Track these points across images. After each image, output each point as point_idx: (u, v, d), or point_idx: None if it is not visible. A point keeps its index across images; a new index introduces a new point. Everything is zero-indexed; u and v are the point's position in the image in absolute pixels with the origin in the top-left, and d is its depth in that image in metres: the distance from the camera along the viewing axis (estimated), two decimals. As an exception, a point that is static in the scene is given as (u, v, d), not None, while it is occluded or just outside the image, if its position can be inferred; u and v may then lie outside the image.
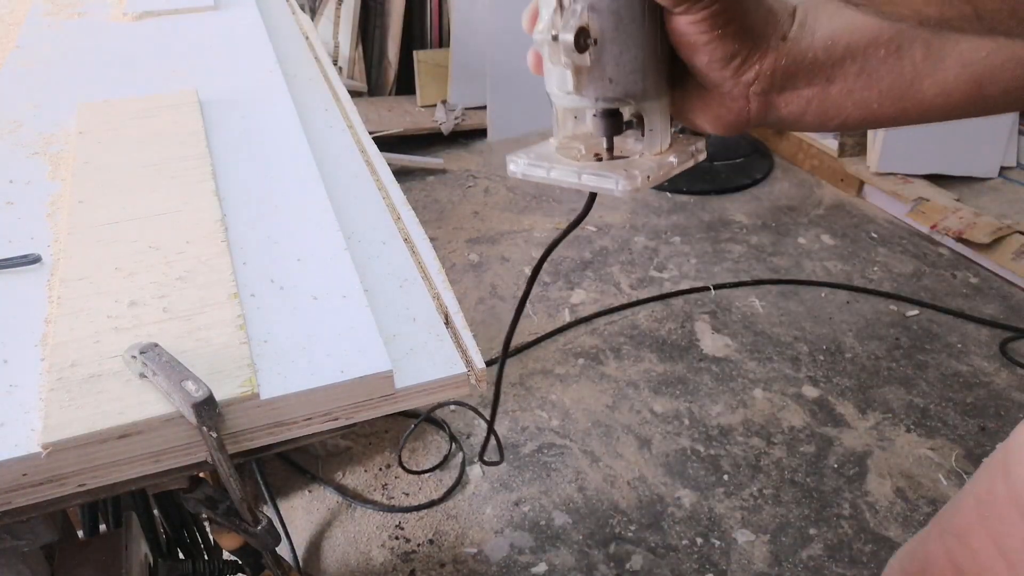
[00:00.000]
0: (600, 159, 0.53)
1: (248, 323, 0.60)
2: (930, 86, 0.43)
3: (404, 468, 1.74)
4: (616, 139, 0.52)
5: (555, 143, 0.54)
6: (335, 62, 3.03)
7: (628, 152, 0.54)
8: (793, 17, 0.45)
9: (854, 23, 0.43)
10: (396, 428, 1.85)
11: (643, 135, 0.53)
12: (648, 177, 0.52)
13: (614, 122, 0.52)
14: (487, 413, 1.89)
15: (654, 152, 0.54)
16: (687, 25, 0.44)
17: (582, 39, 0.46)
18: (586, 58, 0.48)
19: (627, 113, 0.53)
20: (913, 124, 0.45)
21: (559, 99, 0.51)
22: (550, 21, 0.47)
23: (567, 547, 1.58)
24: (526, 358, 2.03)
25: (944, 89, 0.42)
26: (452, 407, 1.90)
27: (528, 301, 2.24)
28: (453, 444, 1.80)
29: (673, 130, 0.56)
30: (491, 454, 1.67)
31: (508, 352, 0.63)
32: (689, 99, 0.50)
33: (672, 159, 0.53)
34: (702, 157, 0.56)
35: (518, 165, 0.53)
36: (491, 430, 0.71)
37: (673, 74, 0.49)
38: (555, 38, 0.47)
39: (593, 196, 0.53)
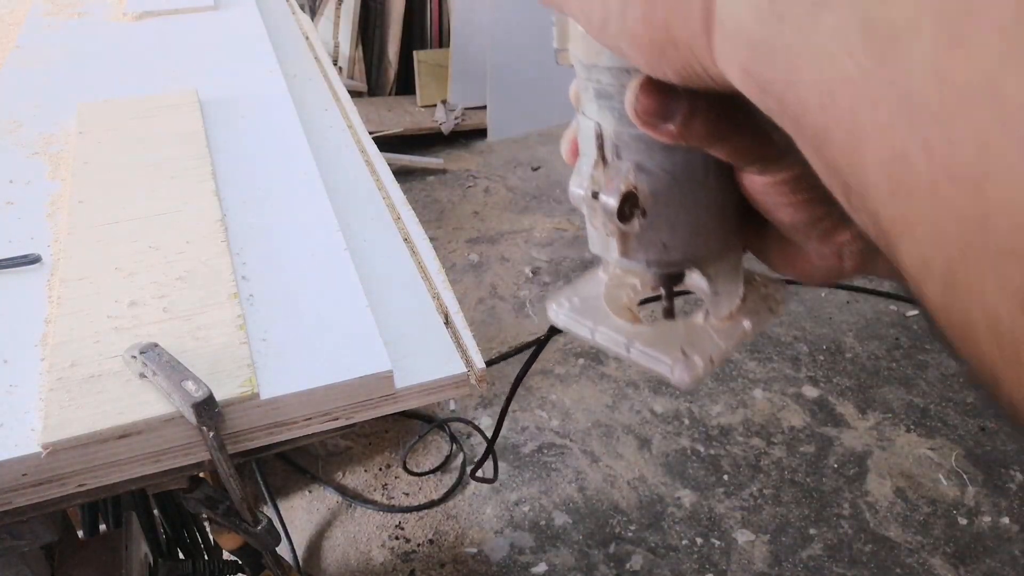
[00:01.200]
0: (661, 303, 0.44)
1: (248, 323, 0.60)
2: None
3: (407, 470, 1.75)
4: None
5: (604, 279, 0.45)
6: (335, 62, 3.03)
7: (693, 290, 0.45)
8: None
9: None
10: (396, 428, 1.85)
11: (708, 292, 0.43)
12: (712, 360, 0.41)
13: (673, 280, 0.43)
14: (490, 420, 1.89)
15: (722, 316, 0.44)
16: (763, 186, 0.36)
17: (627, 207, 0.37)
18: (634, 225, 0.39)
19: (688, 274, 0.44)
20: None
21: (605, 256, 0.42)
22: (590, 175, 0.38)
23: (567, 547, 1.58)
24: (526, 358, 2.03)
25: None
26: (452, 407, 1.90)
27: (528, 302, 2.24)
28: (454, 445, 1.80)
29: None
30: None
31: (516, 374, 0.61)
32: (770, 247, 0.40)
33: (745, 324, 0.43)
34: (782, 310, 0.45)
35: (558, 316, 0.44)
36: (490, 449, 0.70)
37: (748, 219, 0.40)
38: (595, 195, 0.38)
39: (550, 333, 0.46)
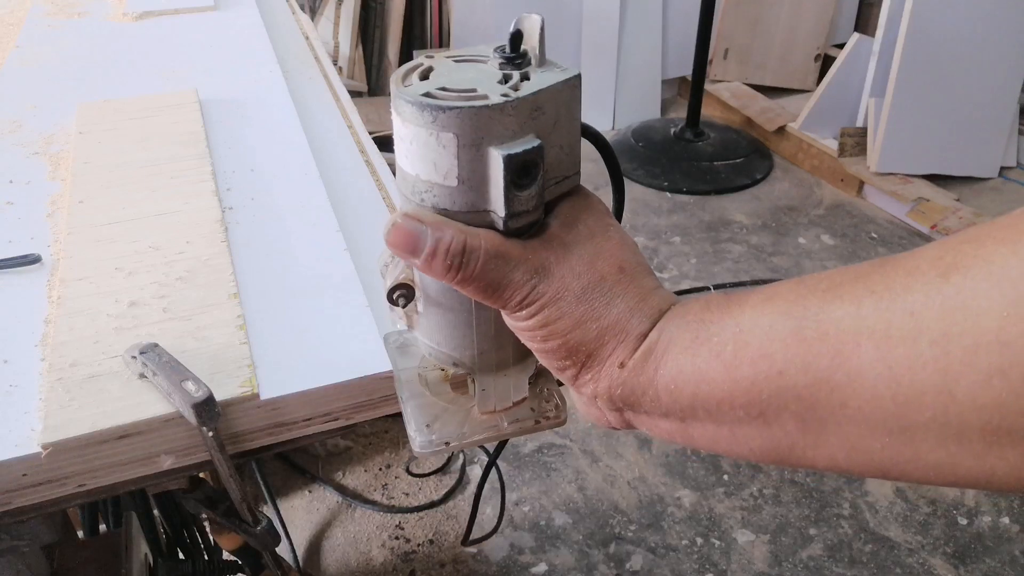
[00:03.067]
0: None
1: (248, 323, 0.60)
2: (817, 458, 0.34)
3: (409, 472, 1.75)
4: None
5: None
6: (335, 62, 3.03)
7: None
8: (642, 340, 0.37)
9: (702, 372, 0.35)
10: (396, 428, 1.85)
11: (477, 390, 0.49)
12: (447, 443, 0.49)
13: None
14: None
15: (485, 411, 0.49)
16: (514, 328, 0.40)
17: (395, 295, 0.44)
18: (408, 310, 0.46)
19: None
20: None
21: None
22: (387, 256, 0.45)
23: (567, 547, 1.58)
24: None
25: (837, 464, 0.33)
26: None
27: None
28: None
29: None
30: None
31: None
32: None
33: (504, 424, 0.49)
34: (549, 425, 0.50)
35: (387, 340, 0.53)
36: (475, 510, 0.71)
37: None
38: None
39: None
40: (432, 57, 0.41)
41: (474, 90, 0.38)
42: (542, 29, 0.40)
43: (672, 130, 3.06)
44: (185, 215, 0.72)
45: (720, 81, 3.29)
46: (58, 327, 0.59)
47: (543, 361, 0.41)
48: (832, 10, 3.15)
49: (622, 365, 0.37)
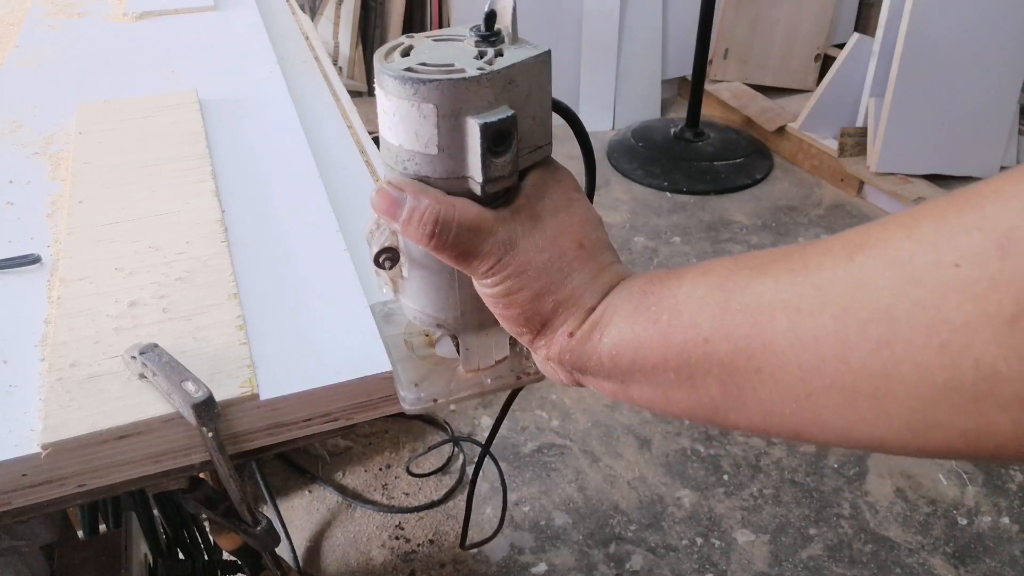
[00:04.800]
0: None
1: (248, 323, 0.60)
2: (738, 420, 0.37)
3: (409, 472, 1.75)
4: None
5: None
6: (335, 62, 3.03)
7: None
8: (591, 313, 0.41)
9: (640, 339, 0.39)
10: (396, 428, 1.85)
11: (461, 349, 0.52)
12: (435, 400, 0.53)
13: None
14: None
15: (469, 369, 0.53)
16: (478, 288, 0.44)
17: (382, 258, 0.48)
18: (394, 275, 0.49)
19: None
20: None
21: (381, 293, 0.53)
22: (372, 224, 0.48)
23: (567, 547, 1.58)
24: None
25: (755, 427, 0.37)
26: (452, 407, 1.90)
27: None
28: (455, 448, 1.80)
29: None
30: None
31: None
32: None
33: (487, 380, 0.54)
34: (528, 380, 0.54)
35: (374, 309, 0.58)
36: (467, 517, 0.74)
37: None
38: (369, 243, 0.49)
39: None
40: (413, 37, 0.45)
41: (452, 65, 0.41)
42: (514, 9, 0.43)
43: (672, 130, 3.06)
44: (185, 215, 0.72)
45: (720, 81, 3.29)
46: (58, 327, 0.59)
47: (504, 325, 0.45)
48: (832, 10, 3.15)
49: (571, 335, 0.42)
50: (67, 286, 0.63)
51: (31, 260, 0.68)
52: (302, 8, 1.45)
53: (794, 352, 0.33)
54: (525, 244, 0.42)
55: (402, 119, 0.42)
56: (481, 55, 0.42)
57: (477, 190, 0.42)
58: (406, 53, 0.43)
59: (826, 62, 3.15)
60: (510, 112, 0.41)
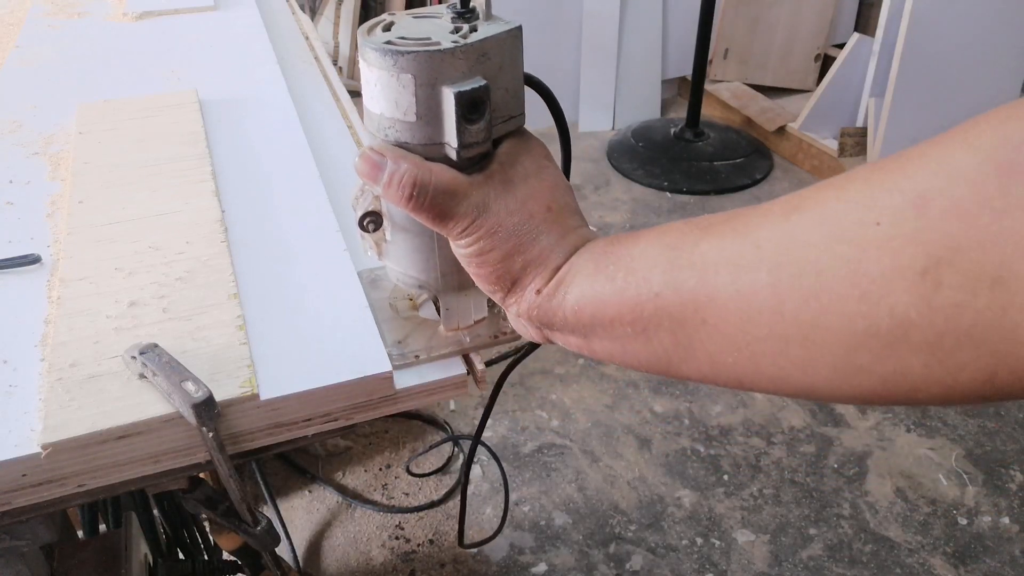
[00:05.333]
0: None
1: (248, 323, 0.60)
2: (688, 370, 0.40)
3: (409, 472, 1.75)
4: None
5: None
6: (335, 62, 3.03)
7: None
8: (556, 272, 0.44)
9: (599, 295, 0.42)
10: (396, 428, 1.85)
11: (442, 309, 0.56)
12: (417, 356, 0.57)
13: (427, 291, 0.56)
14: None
15: (450, 328, 0.57)
16: (454, 248, 0.47)
17: (365, 221, 0.52)
18: (377, 238, 0.53)
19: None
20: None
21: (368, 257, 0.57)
22: (358, 191, 0.52)
23: (567, 547, 1.58)
24: (526, 358, 2.03)
25: (704, 376, 0.39)
26: (452, 407, 1.90)
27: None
28: (455, 448, 1.80)
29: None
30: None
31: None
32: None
33: (466, 338, 0.57)
34: (504, 339, 0.58)
35: (362, 274, 0.63)
36: (463, 516, 0.75)
37: None
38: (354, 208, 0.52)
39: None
40: (394, 15, 0.48)
41: (429, 38, 0.44)
42: None
43: (672, 130, 3.06)
44: (185, 215, 0.72)
45: (720, 81, 3.29)
46: (58, 327, 0.59)
47: (478, 284, 0.48)
48: (832, 10, 3.15)
49: (539, 292, 0.45)
50: (67, 286, 0.63)
51: (31, 260, 0.68)
52: (302, 8, 1.45)
53: (734, 304, 0.35)
54: (497, 207, 0.45)
55: (383, 88, 0.44)
56: (457, 30, 0.45)
57: (453, 155, 0.45)
58: (387, 28, 0.46)
59: (826, 62, 3.15)
60: (483, 82, 0.44)
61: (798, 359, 0.34)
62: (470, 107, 0.44)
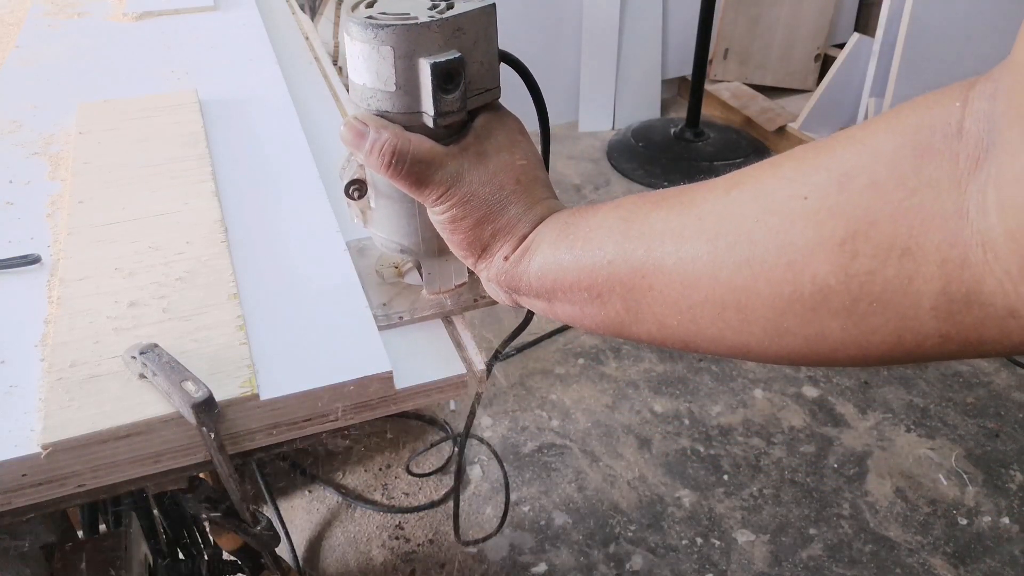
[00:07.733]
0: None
1: (248, 323, 0.60)
2: (639, 332, 0.43)
3: (409, 472, 1.75)
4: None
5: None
6: (335, 62, 3.03)
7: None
8: (523, 240, 0.48)
9: (559, 262, 0.45)
10: (396, 428, 1.85)
11: (424, 274, 0.60)
12: (401, 318, 0.60)
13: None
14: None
15: (432, 292, 0.61)
16: (430, 215, 0.50)
17: (351, 189, 0.55)
18: (363, 205, 0.56)
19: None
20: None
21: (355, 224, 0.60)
22: (344, 161, 0.55)
23: (567, 547, 1.58)
24: (526, 358, 2.03)
25: (653, 337, 0.42)
26: (453, 407, 1.90)
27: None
28: (455, 448, 1.80)
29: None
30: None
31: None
32: None
33: (447, 301, 0.61)
34: (483, 303, 0.61)
35: (347, 247, 0.67)
36: (457, 512, 0.76)
37: None
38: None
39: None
40: None
41: (407, 14, 0.47)
42: None
43: (672, 130, 3.06)
44: (185, 215, 0.72)
45: (720, 81, 3.29)
46: (58, 327, 0.59)
47: (452, 249, 0.51)
48: (832, 10, 3.15)
49: (506, 258, 0.48)
50: (67, 286, 0.63)
51: (31, 260, 0.68)
52: (302, 8, 1.45)
53: (677, 271, 0.38)
54: (470, 177, 0.48)
55: (365, 60, 0.48)
56: (434, 7, 0.48)
57: (430, 123, 0.48)
58: (370, 4, 0.49)
59: (826, 62, 3.15)
60: (458, 55, 0.46)
61: (733, 321, 0.37)
62: (445, 78, 0.46)
